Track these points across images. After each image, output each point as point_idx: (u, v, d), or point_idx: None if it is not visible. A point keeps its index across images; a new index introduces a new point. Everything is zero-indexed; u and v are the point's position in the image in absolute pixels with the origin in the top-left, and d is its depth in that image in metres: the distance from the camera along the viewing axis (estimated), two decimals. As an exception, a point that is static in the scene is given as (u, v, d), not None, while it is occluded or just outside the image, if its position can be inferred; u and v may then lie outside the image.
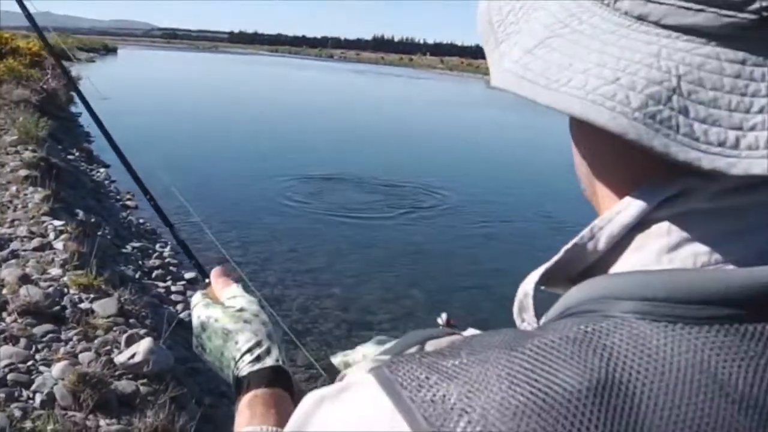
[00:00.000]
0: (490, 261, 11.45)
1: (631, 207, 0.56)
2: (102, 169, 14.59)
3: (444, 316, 1.16)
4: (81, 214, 8.62)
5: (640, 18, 0.54)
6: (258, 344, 1.11)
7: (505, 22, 0.63)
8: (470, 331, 0.99)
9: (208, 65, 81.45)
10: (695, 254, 0.53)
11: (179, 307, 7.84)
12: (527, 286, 0.61)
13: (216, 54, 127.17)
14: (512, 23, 0.62)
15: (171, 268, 9.31)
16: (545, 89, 0.55)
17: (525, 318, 0.61)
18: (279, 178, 16.52)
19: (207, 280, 1.29)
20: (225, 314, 1.15)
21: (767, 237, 0.54)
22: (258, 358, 1.09)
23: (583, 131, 0.62)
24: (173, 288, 8.53)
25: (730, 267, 0.53)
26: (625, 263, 0.56)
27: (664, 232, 0.55)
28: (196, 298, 1.22)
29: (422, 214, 14.74)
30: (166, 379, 4.51)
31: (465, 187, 17.74)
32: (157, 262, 9.36)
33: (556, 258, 0.59)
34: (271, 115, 28.30)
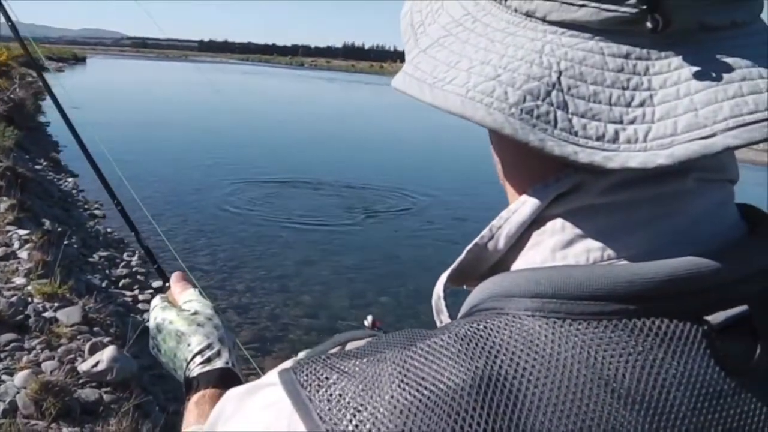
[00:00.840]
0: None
1: (526, 205, 0.57)
2: (70, 179, 14.47)
3: (370, 318, 1.21)
4: (47, 223, 8.59)
5: (528, 14, 0.54)
6: (209, 347, 1.12)
7: (424, 23, 0.63)
8: None
9: (178, 74, 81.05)
10: (587, 250, 0.54)
11: (146, 315, 7.77)
12: (438, 288, 0.63)
13: (186, 63, 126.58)
14: (430, 24, 0.62)
15: (139, 277, 9.25)
16: (430, 87, 0.55)
17: (442, 319, 0.62)
18: (247, 185, 16.52)
19: (167, 285, 1.31)
20: (179, 317, 1.17)
21: (658, 231, 0.54)
22: (208, 360, 1.11)
23: (492, 132, 0.61)
24: (140, 297, 8.46)
25: (623, 262, 0.53)
26: (523, 261, 0.57)
27: (558, 229, 0.55)
28: (155, 301, 1.24)
29: (390, 217, 14.91)
30: (131, 387, 4.49)
31: (431, 190, 17.97)
32: (125, 271, 9.29)
33: (459, 259, 0.61)
34: (239, 123, 28.12)
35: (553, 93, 0.50)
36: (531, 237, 0.57)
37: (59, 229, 8.68)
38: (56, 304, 5.46)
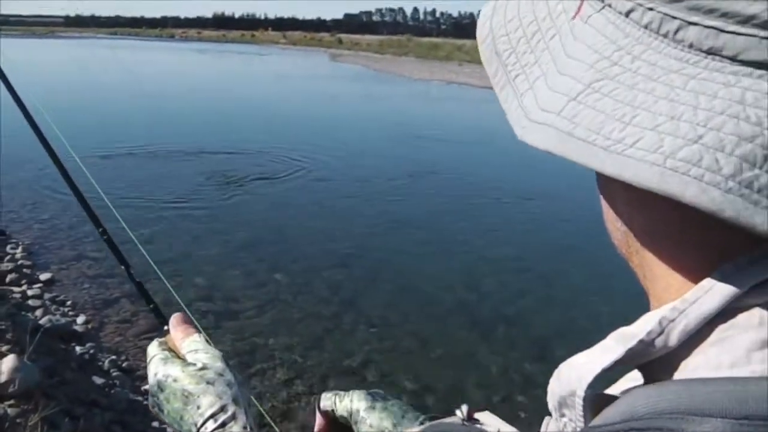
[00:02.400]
0: (343, 234, 11.56)
1: (714, 295, 0.45)
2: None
3: (465, 408, 1.03)
4: None
5: (711, 52, 0.43)
6: (222, 409, 1.00)
7: (516, 51, 0.53)
8: (487, 418, 0.99)
9: (45, 51, 77.65)
10: None
11: (38, 312, 7.58)
12: (576, 384, 0.49)
13: (53, 39, 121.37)
14: (525, 52, 0.52)
15: (25, 270, 8.96)
16: (606, 152, 0.44)
17: (566, 414, 0.52)
18: (122, 162, 16.29)
19: (165, 328, 1.17)
20: (185, 373, 1.03)
21: None
22: (222, 425, 0.99)
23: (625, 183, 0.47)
24: (29, 292, 8.22)
25: None
26: (703, 360, 0.45)
27: (755, 323, 0.44)
28: (153, 349, 1.10)
29: (268, 184, 14.93)
30: (35, 397, 4.38)
31: (313, 154, 18.23)
32: (10, 265, 8.99)
33: (614, 357, 0.48)
34: (111, 98, 27.42)
35: None
36: (714, 331, 0.45)
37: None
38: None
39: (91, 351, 6.80)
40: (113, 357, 6.82)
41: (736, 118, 0.40)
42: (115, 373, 6.47)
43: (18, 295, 8.10)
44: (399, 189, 15.10)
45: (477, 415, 1.02)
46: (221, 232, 11.45)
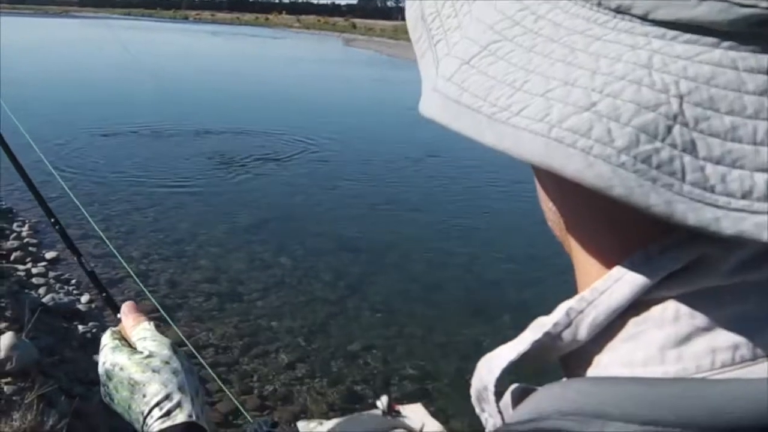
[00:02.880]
0: (349, 217, 11.57)
1: (623, 285, 0.41)
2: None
3: (384, 399, 0.93)
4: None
5: (620, 11, 0.37)
6: (167, 397, 1.00)
7: (441, 14, 0.47)
8: (414, 413, 0.94)
9: (60, 32, 77.76)
10: (713, 350, 0.38)
11: (41, 290, 7.58)
12: (486, 378, 0.46)
13: (67, 19, 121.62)
14: (449, 16, 0.46)
15: (31, 248, 9.00)
16: (489, 121, 0.39)
17: (485, 409, 0.48)
18: (130, 142, 16.41)
19: (118, 316, 1.17)
20: (131, 361, 1.03)
21: None
22: (168, 413, 0.99)
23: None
24: (34, 270, 8.25)
25: (764, 366, 0.37)
26: (614, 357, 0.41)
27: (669, 318, 0.39)
28: (105, 338, 1.10)
29: (278, 169, 14.93)
30: (32, 375, 4.38)
31: (321, 138, 18.28)
32: (16, 243, 9.03)
33: (521, 349, 0.44)
34: (125, 80, 27.46)
35: (676, 129, 0.34)
36: (626, 325, 0.41)
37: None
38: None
39: (94, 330, 6.78)
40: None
41: (637, 83, 0.35)
42: (116, 352, 6.43)
43: (22, 273, 8.12)
44: (406, 173, 15.14)
45: (403, 408, 0.97)
46: (227, 213, 11.46)
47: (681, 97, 0.34)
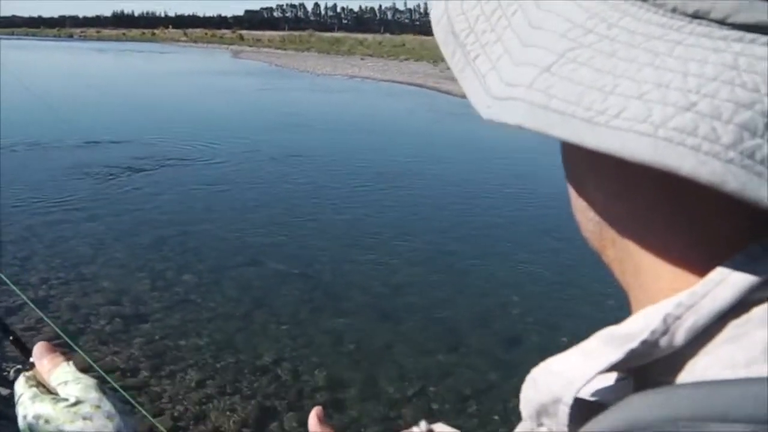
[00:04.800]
0: (248, 227, 11.48)
1: (727, 287, 0.40)
2: None
3: (423, 425, 0.91)
4: None
5: (698, 16, 0.39)
6: None
7: (475, 30, 0.48)
8: None
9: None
10: None
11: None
12: (560, 392, 0.46)
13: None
14: (485, 31, 0.47)
15: None
16: (588, 124, 0.39)
17: (545, 423, 0.48)
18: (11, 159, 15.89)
19: (31, 360, 1.05)
20: (57, 411, 0.92)
21: None
22: None
23: (602, 163, 0.46)
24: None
25: None
26: (713, 360, 0.40)
27: None
28: (20, 387, 1.00)
29: (170, 180, 14.74)
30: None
31: (206, 147, 18.43)
32: None
33: (612, 360, 0.43)
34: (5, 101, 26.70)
35: None
36: (726, 327, 0.41)
37: None
38: None
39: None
40: (19, 366, 6.59)
41: (730, 84, 0.36)
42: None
43: None
44: (295, 176, 15.10)
45: (433, 427, 0.95)
46: (124, 231, 11.23)
47: None
